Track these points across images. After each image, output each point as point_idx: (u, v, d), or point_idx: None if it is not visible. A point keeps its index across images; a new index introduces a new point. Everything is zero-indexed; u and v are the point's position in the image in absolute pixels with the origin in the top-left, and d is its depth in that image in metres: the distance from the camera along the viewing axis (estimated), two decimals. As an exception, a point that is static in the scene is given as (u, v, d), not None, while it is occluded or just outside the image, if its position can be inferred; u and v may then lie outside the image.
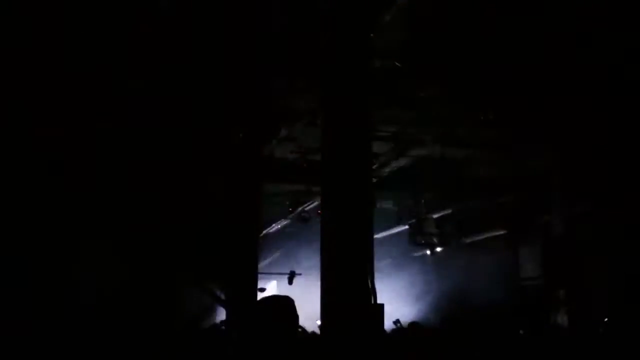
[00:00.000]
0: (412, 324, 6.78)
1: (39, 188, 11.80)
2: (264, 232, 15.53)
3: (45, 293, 12.05)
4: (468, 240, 16.39)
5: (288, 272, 17.41)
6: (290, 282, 17.15)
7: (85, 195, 12.79)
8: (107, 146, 11.65)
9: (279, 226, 16.06)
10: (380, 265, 8.90)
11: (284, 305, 2.62)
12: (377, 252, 7.49)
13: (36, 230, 12.69)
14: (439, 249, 15.04)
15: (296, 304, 2.59)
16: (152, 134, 11.66)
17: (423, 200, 14.53)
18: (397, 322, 9.60)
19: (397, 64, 8.41)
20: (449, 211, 15.07)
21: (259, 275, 12.14)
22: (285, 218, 15.53)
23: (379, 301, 7.06)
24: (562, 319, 13.09)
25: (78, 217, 12.73)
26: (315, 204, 13.64)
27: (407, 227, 15.17)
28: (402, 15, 7.42)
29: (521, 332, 8.43)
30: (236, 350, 4.54)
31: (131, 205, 12.86)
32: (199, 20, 7.89)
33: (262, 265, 12.71)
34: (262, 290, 11.67)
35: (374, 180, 9.69)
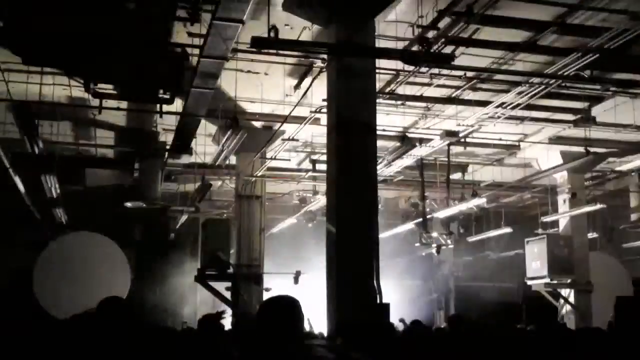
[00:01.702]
0: (415, 322, 6.75)
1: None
2: (270, 231, 15.53)
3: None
4: (474, 239, 16.36)
5: (294, 271, 17.37)
6: (296, 281, 17.11)
7: (88, 191, 12.87)
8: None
9: (285, 226, 16.06)
10: (387, 265, 8.88)
11: (290, 305, 2.54)
12: (383, 251, 7.48)
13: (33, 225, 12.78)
14: (445, 248, 14.98)
15: (302, 303, 2.53)
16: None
17: (429, 199, 14.49)
18: (402, 320, 9.58)
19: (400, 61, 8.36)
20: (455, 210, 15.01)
21: (265, 275, 12.14)
22: (291, 218, 15.53)
23: (384, 300, 7.06)
24: (569, 316, 13.06)
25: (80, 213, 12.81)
26: (321, 203, 13.63)
27: (413, 225, 15.13)
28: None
29: (528, 329, 8.40)
30: (242, 350, 4.51)
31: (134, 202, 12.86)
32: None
33: (267, 264, 12.71)
34: (268, 290, 11.64)
35: (379, 179, 9.67)
